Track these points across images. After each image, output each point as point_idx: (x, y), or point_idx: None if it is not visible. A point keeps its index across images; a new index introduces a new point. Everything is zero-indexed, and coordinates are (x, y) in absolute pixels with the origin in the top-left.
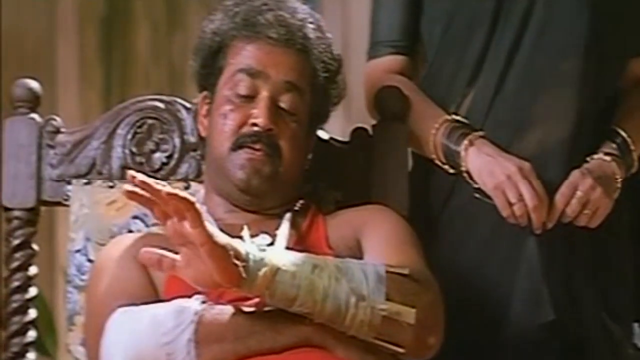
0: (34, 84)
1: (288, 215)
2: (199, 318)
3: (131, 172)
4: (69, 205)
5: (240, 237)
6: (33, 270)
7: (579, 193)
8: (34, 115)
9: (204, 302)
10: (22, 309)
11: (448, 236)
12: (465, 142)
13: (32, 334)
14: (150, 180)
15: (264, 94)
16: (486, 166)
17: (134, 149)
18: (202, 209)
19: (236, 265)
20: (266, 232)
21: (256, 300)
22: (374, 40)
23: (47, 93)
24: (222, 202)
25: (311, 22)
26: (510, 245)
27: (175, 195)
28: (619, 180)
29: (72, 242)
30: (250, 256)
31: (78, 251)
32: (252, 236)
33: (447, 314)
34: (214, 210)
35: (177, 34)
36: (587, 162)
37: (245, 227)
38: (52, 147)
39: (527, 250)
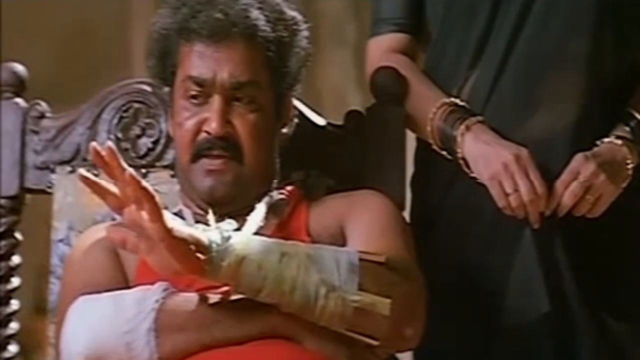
0: (18, 68)
1: (266, 199)
2: (160, 306)
3: (94, 145)
4: (52, 194)
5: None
6: (16, 259)
7: (580, 177)
8: (18, 100)
9: (166, 290)
10: (4, 300)
11: (451, 223)
12: (462, 127)
13: (14, 326)
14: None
15: (215, 97)
16: (482, 155)
17: (119, 135)
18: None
19: (198, 257)
20: (233, 217)
21: (226, 288)
22: (376, 17)
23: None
24: (193, 204)
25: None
26: (511, 234)
27: (137, 182)
28: (631, 165)
29: (55, 231)
30: (214, 246)
31: (61, 241)
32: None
33: (445, 302)
34: (189, 205)
35: None
36: (596, 146)
37: (211, 212)
38: (36, 132)
39: (523, 241)
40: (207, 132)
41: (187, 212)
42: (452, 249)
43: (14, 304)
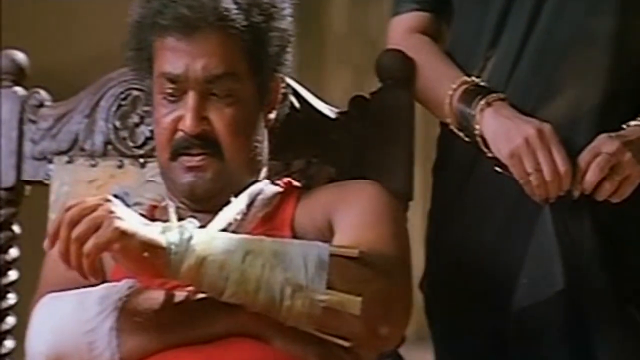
0: (19, 55)
1: (249, 191)
2: (124, 304)
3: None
4: (49, 185)
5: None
6: (14, 252)
7: (604, 154)
8: (17, 89)
9: (131, 287)
10: (1, 294)
11: (472, 208)
12: (482, 102)
13: (11, 321)
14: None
15: (189, 93)
16: (502, 129)
17: (117, 123)
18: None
19: (155, 262)
20: (216, 213)
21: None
22: None
23: None
24: (176, 199)
25: None
26: (533, 220)
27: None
28: None
29: (51, 223)
30: (172, 247)
31: None
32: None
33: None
34: (173, 199)
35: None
36: (622, 129)
37: (172, 211)
38: (34, 122)
39: (542, 219)
40: (182, 130)
41: (171, 207)
42: (473, 233)
43: (12, 298)
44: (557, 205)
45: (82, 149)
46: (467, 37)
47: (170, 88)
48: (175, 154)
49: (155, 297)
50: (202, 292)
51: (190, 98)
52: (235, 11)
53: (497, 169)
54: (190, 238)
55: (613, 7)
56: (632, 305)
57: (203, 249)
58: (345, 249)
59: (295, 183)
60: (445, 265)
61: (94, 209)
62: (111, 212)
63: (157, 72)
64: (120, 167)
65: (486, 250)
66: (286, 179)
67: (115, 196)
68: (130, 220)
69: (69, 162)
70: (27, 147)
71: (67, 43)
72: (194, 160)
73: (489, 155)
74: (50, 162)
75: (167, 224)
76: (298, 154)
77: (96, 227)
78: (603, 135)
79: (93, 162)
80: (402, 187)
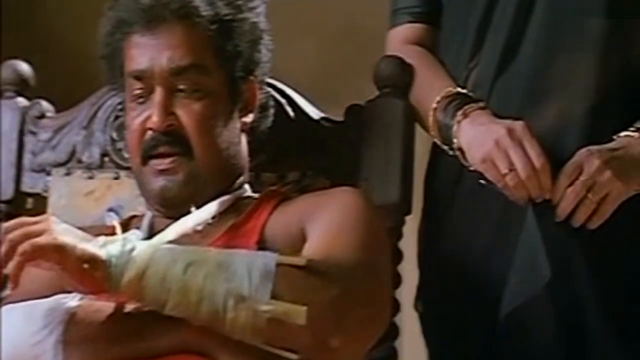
0: (21, 66)
1: (222, 199)
2: (71, 317)
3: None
4: (47, 197)
5: None
6: None
7: (582, 176)
8: (19, 99)
9: (81, 299)
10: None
11: (458, 222)
12: (460, 114)
13: None
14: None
15: (156, 89)
16: (475, 137)
17: (114, 134)
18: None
19: (95, 275)
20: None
21: None
22: (394, 8)
23: None
24: (152, 207)
25: None
26: (518, 233)
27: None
28: None
29: None
30: (113, 260)
31: None
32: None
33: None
34: (149, 207)
35: None
36: (613, 139)
37: (116, 223)
38: (34, 133)
39: (527, 221)
40: (150, 128)
41: (147, 215)
42: (462, 249)
43: None
44: (540, 205)
45: (80, 161)
46: (453, 47)
47: (138, 88)
48: (145, 157)
49: (103, 310)
50: (146, 306)
51: (157, 94)
52: (200, 2)
53: (481, 181)
54: (132, 250)
55: (603, 6)
56: (620, 295)
57: (144, 261)
58: (293, 258)
59: (282, 190)
60: (436, 281)
61: (34, 222)
62: (51, 227)
63: (126, 75)
64: (116, 178)
65: (475, 266)
66: (272, 188)
67: (111, 210)
68: (69, 235)
69: (66, 174)
70: (27, 159)
71: None
72: (165, 163)
73: (471, 168)
74: (48, 174)
75: (111, 237)
76: (293, 166)
77: (34, 235)
78: (585, 150)
79: (90, 174)
80: (396, 199)
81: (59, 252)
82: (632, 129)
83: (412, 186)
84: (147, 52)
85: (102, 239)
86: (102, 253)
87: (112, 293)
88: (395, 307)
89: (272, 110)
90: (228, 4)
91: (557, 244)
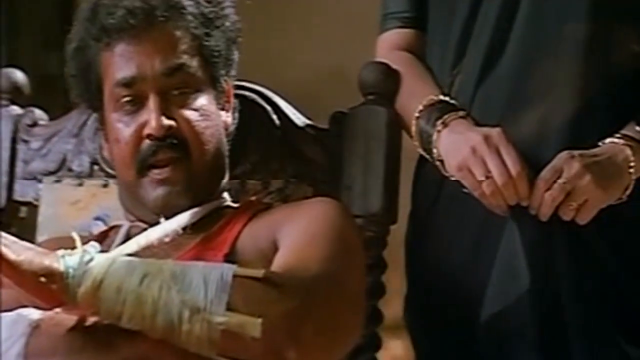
0: (17, 74)
1: (197, 209)
2: (33, 330)
3: None
4: (37, 206)
5: None
6: None
7: (561, 179)
8: (12, 107)
9: (43, 312)
10: None
11: (439, 231)
12: (439, 123)
13: None
14: None
15: (150, 96)
16: (452, 146)
17: (103, 142)
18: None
19: (52, 287)
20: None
21: None
22: (384, 13)
23: None
24: (136, 218)
25: None
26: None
27: None
28: (634, 169)
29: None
30: (70, 271)
31: None
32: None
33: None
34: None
35: None
36: (598, 146)
37: (76, 235)
38: (26, 142)
39: (507, 227)
40: (148, 135)
41: (125, 225)
42: (444, 257)
43: None
44: (520, 210)
45: (70, 169)
46: (437, 53)
47: (127, 95)
48: (143, 167)
49: (65, 323)
50: (102, 318)
51: (152, 100)
52: (186, 1)
53: (464, 190)
54: (90, 262)
55: (584, 11)
56: (598, 301)
57: (100, 273)
58: (251, 270)
59: (261, 201)
60: (420, 291)
61: None
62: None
63: (109, 87)
64: (105, 185)
65: (456, 275)
66: (253, 198)
67: (97, 218)
68: (23, 251)
69: (56, 181)
70: (19, 167)
71: None
72: (165, 172)
73: (453, 178)
74: (39, 182)
75: (69, 250)
76: (276, 174)
77: None
78: (565, 153)
79: (79, 182)
80: (377, 209)
81: (13, 269)
82: (617, 135)
83: (398, 195)
84: (135, 58)
85: (61, 251)
86: (60, 265)
87: (70, 305)
88: (378, 317)
89: (236, 113)
90: (209, 1)
91: (538, 248)
